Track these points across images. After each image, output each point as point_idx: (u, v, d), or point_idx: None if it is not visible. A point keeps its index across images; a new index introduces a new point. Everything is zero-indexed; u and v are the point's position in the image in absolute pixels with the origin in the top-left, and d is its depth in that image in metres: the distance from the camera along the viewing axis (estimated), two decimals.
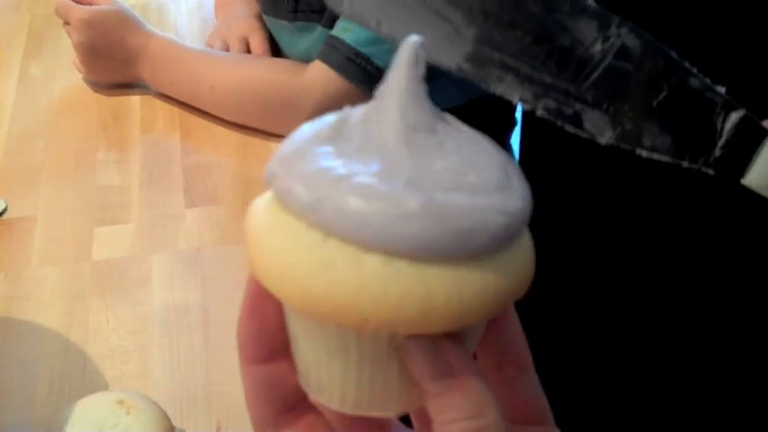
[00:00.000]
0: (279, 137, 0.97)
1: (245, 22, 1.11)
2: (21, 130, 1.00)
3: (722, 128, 0.36)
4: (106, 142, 0.98)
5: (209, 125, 0.99)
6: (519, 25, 0.36)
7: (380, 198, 0.24)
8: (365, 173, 0.25)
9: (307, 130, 0.28)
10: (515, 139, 1.18)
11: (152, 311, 0.77)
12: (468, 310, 0.25)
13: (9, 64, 1.12)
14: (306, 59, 0.98)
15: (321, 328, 0.27)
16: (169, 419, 0.62)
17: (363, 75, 0.93)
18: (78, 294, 0.78)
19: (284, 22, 1.05)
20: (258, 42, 1.08)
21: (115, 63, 1.02)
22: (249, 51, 1.08)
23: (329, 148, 0.26)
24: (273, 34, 1.10)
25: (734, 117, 0.36)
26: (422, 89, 0.27)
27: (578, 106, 0.36)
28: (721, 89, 0.36)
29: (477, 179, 0.25)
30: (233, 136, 0.98)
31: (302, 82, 0.95)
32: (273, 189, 0.27)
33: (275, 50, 1.10)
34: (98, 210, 0.88)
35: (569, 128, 0.36)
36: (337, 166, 0.25)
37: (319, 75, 0.94)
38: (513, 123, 1.19)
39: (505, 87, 0.36)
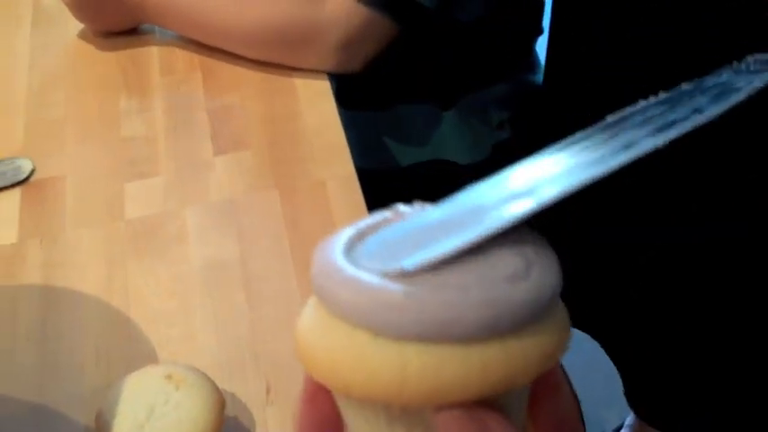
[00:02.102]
0: (303, 71, 0.94)
1: None
2: (40, 82, 0.98)
3: None
4: (127, 89, 0.95)
5: (230, 65, 0.96)
6: None
7: (368, 289, 0.28)
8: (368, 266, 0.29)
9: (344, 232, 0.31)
10: (542, 46, 1.15)
11: (191, 270, 0.76)
12: (446, 388, 0.27)
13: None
14: None
15: (361, 412, 0.30)
16: (219, 391, 0.62)
17: (388, 2, 0.89)
18: (115, 257, 0.77)
19: None
20: None
21: (124, 23, 1.00)
22: None
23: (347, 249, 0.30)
24: None
25: None
26: None
27: None
28: None
29: (487, 273, 0.27)
30: (255, 74, 0.95)
31: (323, 14, 0.91)
32: None
33: None
34: (126, 164, 0.86)
35: None
36: (346, 262, 0.29)
37: (341, 4, 0.91)
38: (540, 31, 1.15)
39: None
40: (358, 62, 0.94)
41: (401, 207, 0.31)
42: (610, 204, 0.83)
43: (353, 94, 1.03)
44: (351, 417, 0.31)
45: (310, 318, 0.30)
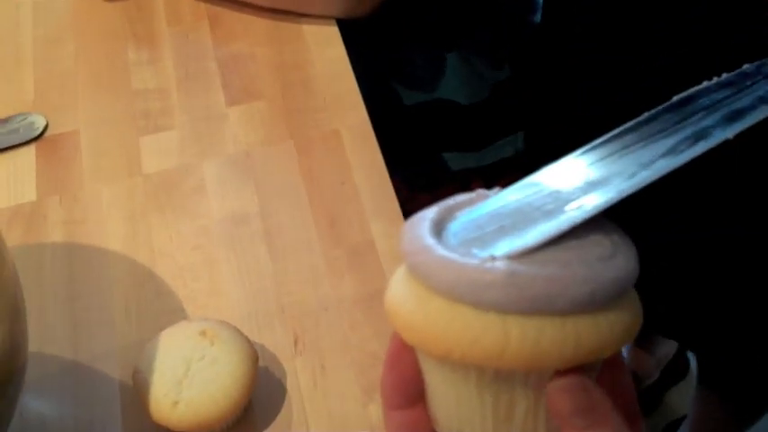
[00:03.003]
0: (310, 17, 0.94)
1: None
2: (46, 36, 0.97)
3: None
4: (135, 40, 0.95)
5: (237, 13, 0.95)
6: None
7: (470, 271, 0.30)
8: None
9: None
10: None
11: (212, 223, 0.77)
12: (543, 356, 0.29)
13: None
14: None
15: (452, 377, 0.31)
16: (251, 345, 0.63)
17: None
18: (137, 212, 0.78)
19: None
20: None
21: None
22: None
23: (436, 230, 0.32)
24: None
25: None
26: None
27: None
28: None
29: (581, 253, 0.30)
30: (263, 22, 0.94)
31: None
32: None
33: None
34: (140, 117, 0.87)
35: None
36: (438, 242, 0.31)
37: None
38: None
39: None
40: (366, 7, 0.93)
41: (482, 190, 0.34)
42: (663, 199, 0.83)
43: (358, 37, 1.02)
44: (438, 381, 0.33)
45: (403, 289, 0.32)
